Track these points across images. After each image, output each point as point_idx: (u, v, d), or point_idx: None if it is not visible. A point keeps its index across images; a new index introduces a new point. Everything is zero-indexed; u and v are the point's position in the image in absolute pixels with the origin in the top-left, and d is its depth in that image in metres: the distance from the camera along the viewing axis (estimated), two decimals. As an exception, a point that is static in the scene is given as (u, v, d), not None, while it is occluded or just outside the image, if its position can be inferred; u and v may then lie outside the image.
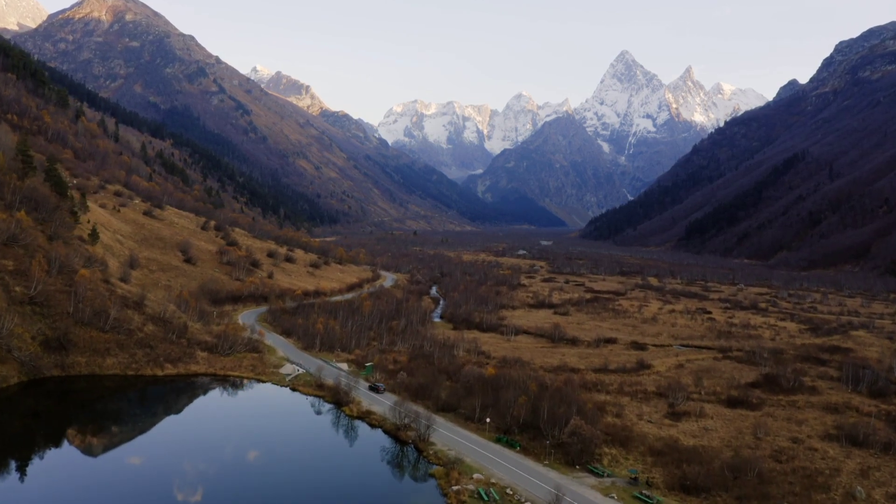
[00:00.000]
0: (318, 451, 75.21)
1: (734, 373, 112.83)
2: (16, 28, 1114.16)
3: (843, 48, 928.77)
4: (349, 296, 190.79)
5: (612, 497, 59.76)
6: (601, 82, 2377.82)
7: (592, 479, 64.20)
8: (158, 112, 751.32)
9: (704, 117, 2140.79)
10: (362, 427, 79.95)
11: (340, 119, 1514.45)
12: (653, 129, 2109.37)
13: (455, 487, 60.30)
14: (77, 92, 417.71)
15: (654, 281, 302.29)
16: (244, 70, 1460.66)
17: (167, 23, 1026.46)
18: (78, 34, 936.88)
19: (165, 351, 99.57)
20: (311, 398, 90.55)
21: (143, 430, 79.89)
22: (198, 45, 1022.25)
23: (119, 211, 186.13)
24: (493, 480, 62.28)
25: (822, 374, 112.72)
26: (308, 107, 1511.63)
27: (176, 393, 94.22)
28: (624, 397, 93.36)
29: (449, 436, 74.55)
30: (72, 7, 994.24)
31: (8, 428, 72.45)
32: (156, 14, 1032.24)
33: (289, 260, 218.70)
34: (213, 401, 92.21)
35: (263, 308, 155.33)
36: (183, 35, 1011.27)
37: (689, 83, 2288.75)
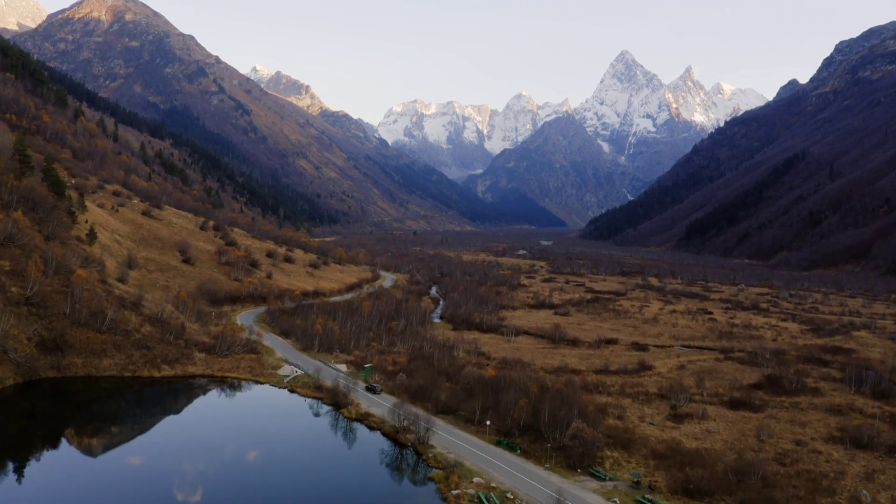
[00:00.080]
0: (317, 454, 74.34)
1: (736, 374, 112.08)
2: (15, 28, 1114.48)
3: (843, 48, 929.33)
4: (348, 296, 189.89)
5: (615, 501, 58.79)
6: (601, 82, 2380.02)
7: (594, 482, 63.32)
8: (158, 112, 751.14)
9: (704, 117, 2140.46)
10: (361, 429, 79.12)
11: (340, 119, 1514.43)
12: (653, 129, 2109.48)
13: (455, 492, 59.48)
14: (76, 92, 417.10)
15: (654, 281, 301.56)
16: (244, 70, 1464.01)
17: (167, 23, 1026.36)
18: (78, 34, 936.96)
19: (163, 352, 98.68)
20: (309, 400, 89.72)
21: (142, 431, 79.39)
22: (198, 44, 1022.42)
23: (117, 211, 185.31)
24: (493, 484, 61.41)
25: (824, 376, 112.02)
26: (308, 107, 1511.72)
27: (173, 394, 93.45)
28: (625, 399, 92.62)
29: (449, 438, 73.67)
30: (71, 7, 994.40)
31: (4, 429, 71.91)
32: (155, 14, 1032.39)
33: (288, 260, 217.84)
34: (211, 402, 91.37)
35: (262, 308, 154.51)
36: (183, 35, 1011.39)
37: (689, 83, 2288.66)
